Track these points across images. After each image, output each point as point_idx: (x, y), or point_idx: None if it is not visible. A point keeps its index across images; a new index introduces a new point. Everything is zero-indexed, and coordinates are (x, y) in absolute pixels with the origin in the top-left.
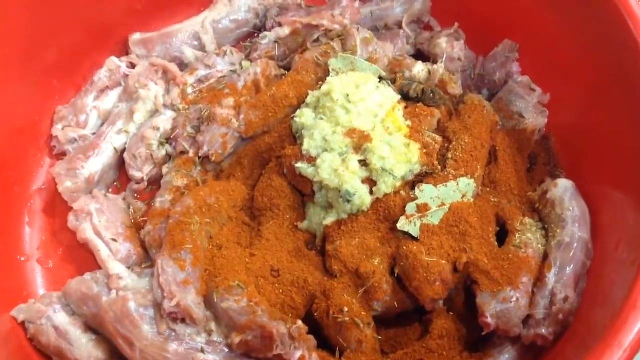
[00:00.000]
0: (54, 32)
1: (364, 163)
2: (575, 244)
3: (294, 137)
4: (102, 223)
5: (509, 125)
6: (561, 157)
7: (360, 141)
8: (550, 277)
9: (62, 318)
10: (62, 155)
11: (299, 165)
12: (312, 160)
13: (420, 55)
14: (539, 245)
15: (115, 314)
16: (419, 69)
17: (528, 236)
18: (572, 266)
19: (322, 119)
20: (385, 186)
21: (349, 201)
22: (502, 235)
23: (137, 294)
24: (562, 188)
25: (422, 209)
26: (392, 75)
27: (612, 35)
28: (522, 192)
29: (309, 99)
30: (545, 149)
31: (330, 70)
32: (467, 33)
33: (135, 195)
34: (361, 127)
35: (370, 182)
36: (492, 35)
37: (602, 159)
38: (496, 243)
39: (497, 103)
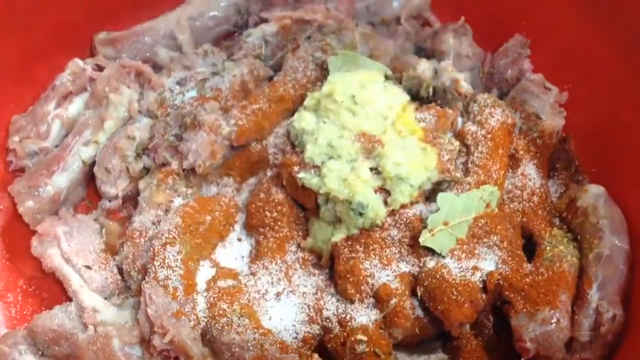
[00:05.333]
0: (8, 31)
1: (375, 170)
2: (617, 256)
3: (293, 144)
4: (72, 248)
5: (524, 127)
6: (581, 160)
7: (371, 146)
8: (593, 294)
9: None
10: (21, 171)
11: (301, 175)
12: (316, 168)
13: (420, 53)
14: (574, 259)
15: (95, 354)
16: (424, 67)
17: (560, 248)
18: (616, 281)
19: (324, 122)
20: (402, 196)
21: (361, 214)
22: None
23: (121, 330)
24: (594, 194)
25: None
26: (396, 74)
27: None
28: (545, 200)
29: (307, 101)
30: (564, 153)
31: (329, 69)
32: (473, 27)
33: (109, 214)
34: (370, 131)
35: (384, 192)
36: (500, 30)
37: (631, 162)
38: (525, 257)
39: (510, 103)
